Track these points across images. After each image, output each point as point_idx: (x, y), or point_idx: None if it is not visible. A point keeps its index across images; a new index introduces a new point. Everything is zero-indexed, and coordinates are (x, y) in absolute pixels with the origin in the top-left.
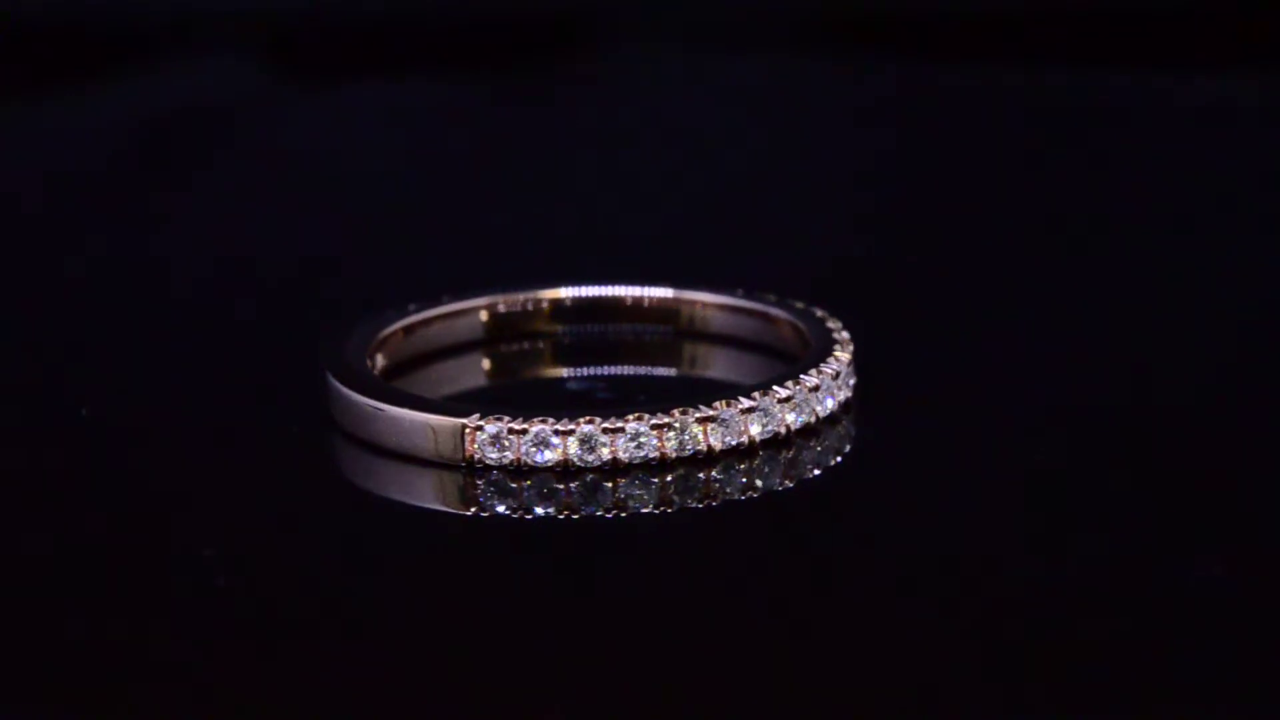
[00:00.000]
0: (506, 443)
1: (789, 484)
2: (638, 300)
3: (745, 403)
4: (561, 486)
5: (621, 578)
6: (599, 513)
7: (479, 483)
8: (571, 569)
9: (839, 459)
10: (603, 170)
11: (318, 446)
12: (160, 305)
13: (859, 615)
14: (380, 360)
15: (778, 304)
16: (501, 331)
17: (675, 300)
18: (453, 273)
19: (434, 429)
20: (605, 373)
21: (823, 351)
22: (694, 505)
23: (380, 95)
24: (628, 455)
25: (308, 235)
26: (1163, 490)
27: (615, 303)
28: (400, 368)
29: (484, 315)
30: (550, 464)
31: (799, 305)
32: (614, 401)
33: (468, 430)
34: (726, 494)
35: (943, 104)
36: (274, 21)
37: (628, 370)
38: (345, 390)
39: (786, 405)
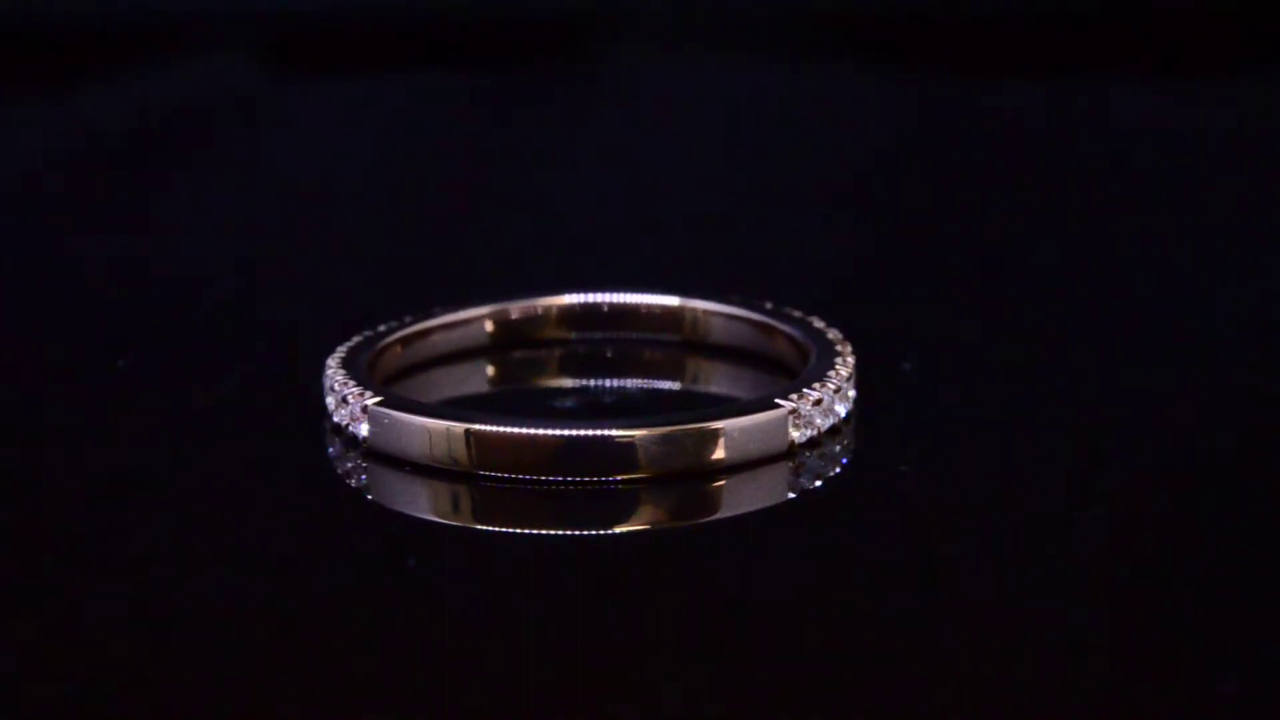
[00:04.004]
0: (815, 417)
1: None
2: (643, 308)
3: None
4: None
5: None
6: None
7: (800, 469)
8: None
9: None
10: (603, 174)
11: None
12: (159, 306)
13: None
14: (379, 371)
15: (780, 314)
16: (507, 339)
17: (679, 309)
18: (450, 278)
19: (752, 429)
20: (605, 383)
21: (826, 363)
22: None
23: (379, 96)
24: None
25: (308, 238)
26: (1163, 495)
27: (617, 310)
28: (400, 376)
29: (489, 325)
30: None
31: (799, 315)
32: (614, 405)
33: (793, 416)
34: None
35: (941, 109)
36: (271, 21)
37: (627, 381)
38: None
39: (837, 397)
